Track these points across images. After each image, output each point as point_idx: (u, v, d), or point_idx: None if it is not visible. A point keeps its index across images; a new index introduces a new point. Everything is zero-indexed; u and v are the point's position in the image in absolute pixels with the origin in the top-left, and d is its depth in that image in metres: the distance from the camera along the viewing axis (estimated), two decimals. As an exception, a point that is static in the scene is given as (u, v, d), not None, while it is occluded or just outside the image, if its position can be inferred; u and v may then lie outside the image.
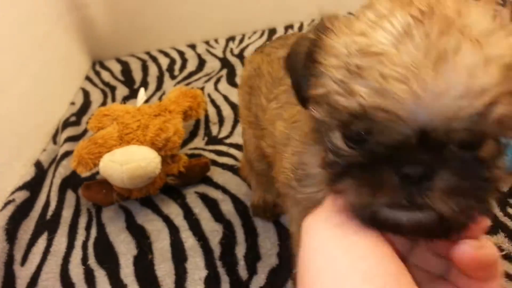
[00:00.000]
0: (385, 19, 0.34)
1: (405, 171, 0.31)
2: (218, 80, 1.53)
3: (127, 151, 0.96)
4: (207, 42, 1.82)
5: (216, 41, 1.83)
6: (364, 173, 0.33)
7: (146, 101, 1.38)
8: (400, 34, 0.33)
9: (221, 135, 1.25)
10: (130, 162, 0.93)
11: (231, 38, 1.84)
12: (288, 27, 1.88)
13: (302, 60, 0.41)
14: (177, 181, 1.02)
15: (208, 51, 1.75)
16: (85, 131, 1.29)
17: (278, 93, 0.68)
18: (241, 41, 1.81)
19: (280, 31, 1.85)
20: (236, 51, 1.73)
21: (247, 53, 1.70)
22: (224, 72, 1.58)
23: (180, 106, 1.17)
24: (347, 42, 0.36)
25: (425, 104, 0.31)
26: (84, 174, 1.03)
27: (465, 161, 0.32)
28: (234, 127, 1.27)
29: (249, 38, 1.83)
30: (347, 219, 0.34)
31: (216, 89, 1.48)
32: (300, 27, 1.86)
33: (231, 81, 1.51)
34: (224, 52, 1.74)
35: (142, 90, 1.28)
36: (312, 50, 0.40)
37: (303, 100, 0.42)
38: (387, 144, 0.33)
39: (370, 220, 0.33)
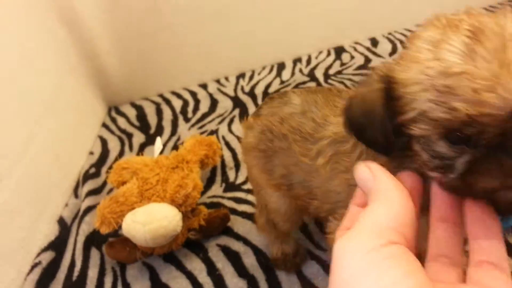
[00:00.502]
0: (445, 43, 0.41)
1: None
2: (231, 121, 1.55)
3: (148, 210, 0.97)
4: (218, 81, 1.85)
5: (226, 79, 1.86)
6: (487, 165, 0.40)
7: (163, 149, 1.40)
8: (467, 53, 0.39)
9: (238, 181, 1.26)
10: (152, 222, 0.94)
11: (241, 75, 1.87)
12: (296, 60, 1.90)
13: (380, 106, 0.45)
14: (198, 235, 1.03)
15: (219, 90, 1.78)
16: (105, 183, 1.31)
17: (320, 148, 0.67)
18: (251, 77, 1.84)
19: (289, 65, 1.87)
20: (246, 89, 1.75)
21: (257, 90, 1.72)
22: (236, 112, 1.60)
23: (196, 155, 1.19)
24: (422, 69, 0.41)
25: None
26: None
27: None
28: (250, 171, 1.28)
29: (259, 74, 1.85)
30: (379, 242, 0.34)
31: (230, 130, 1.49)
32: (308, 60, 1.88)
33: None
34: (235, 90, 1.76)
35: (158, 139, 1.30)
36: (388, 93, 0.45)
37: (385, 147, 0.47)
38: (495, 138, 0.39)
39: (495, 203, 0.40)
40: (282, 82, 1.76)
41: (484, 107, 0.38)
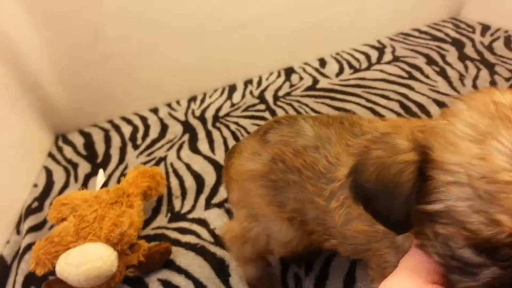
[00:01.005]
0: (494, 140, 0.35)
1: None
2: (180, 147, 1.55)
3: (82, 251, 0.96)
4: (169, 105, 1.85)
5: (178, 103, 1.86)
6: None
7: (108, 180, 1.38)
8: None
9: (184, 210, 1.25)
10: (85, 263, 0.92)
11: (193, 98, 1.87)
12: (248, 82, 1.92)
13: (411, 182, 0.39)
14: (136, 272, 1.02)
15: (170, 114, 1.78)
16: (46, 220, 1.28)
17: (333, 190, 0.64)
18: (202, 101, 1.84)
19: (240, 87, 1.89)
20: (197, 113, 1.76)
21: (208, 114, 1.73)
22: (186, 137, 1.60)
23: (138, 187, 1.18)
24: (462, 163, 0.36)
25: None
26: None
27: None
28: (196, 200, 1.28)
29: (210, 97, 1.86)
30: (424, 283, 0.36)
31: (178, 157, 1.49)
32: (259, 81, 1.91)
33: (193, 147, 1.53)
34: (186, 114, 1.76)
35: (101, 172, 1.29)
36: (420, 168, 0.39)
37: (399, 225, 0.41)
38: None
39: None
40: (232, 105, 1.77)
41: None
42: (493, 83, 1.58)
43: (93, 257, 0.94)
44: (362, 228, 0.59)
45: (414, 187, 0.39)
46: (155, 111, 1.81)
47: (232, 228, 0.89)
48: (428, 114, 1.48)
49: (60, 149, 1.63)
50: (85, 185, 1.40)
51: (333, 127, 0.70)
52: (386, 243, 0.56)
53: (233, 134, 1.57)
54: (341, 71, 1.89)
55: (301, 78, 1.88)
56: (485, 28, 2.01)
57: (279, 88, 1.83)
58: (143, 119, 1.76)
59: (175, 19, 1.72)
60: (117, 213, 1.04)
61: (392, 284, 0.37)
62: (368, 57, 1.95)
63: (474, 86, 1.58)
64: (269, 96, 1.79)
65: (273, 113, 1.66)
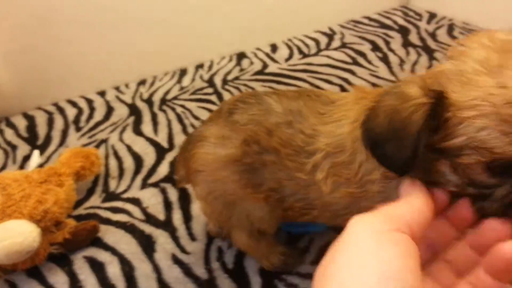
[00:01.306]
0: (507, 70, 0.39)
1: None
2: (123, 129, 1.55)
3: (3, 227, 0.96)
4: (117, 88, 1.84)
5: (127, 86, 1.85)
6: None
7: (45, 161, 1.38)
8: None
9: (119, 190, 1.26)
10: (6, 239, 0.93)
11: (142, 82, 1.86)
12: (199, 66, 1.93)
13: (421, 122, 0.42)
14: (61, 249, 1.03)
15: (117, 97, 1.77)
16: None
17: (315, 162, 0.64)
18: (152, 84, 1.84)
19: (191, 71, 1.90)
20: (145, 96, 1.75)
21: (155, 97, 1.73)
22: (131, 120, 1.60)
23: (71, 167, 1.18)
24: (483, 96, 0.39)
25: None
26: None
27: None
28: (133, 180, 1.29)
29: (160, 80, 1.86)
30: (389, 227, 0.39)
31: (120, 139, 1.49)
32: (210, 66, 1.92)
33: (137, 130, 1.53)
34: (133, 97, 1.76)
35: (35, 152, 1.28)
36: (433, 110, 0.42)
37: (403, 166, 0.43)
38: None
39: None
40: (181, 88, 1.78)
41: None
42: (430, 68, 1.63)
43: (14, 233, 0.94)
44: (351, 191, 0.60)
45: (425, 127, 0.42)
46: (102, 94, 1.80)
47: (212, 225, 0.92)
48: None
49: (1, 132, 1.61)
50: (22, 167, 1.39)
51: (301, 100, 0.69)
52: (378, 199, 0.57)
53: (178, 117, 1.58)
54: (290, 56, 1.91)
55: (251, 63, 1.90)
56: (432, 16, 2.07)
57: (229, 72, 1.85)
58: (89, 102, 1.75)
59: (124, 3, 1.72)
60: (42, 191, 1.04)
61: (363, 219, 0.40)
62: (317, 43, 1.98)
63: (412, 71, 1.63)
64: (218, 80, 1.80)
65: (220, 96, 1.68)
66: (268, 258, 0.91)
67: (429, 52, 1.75)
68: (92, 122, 1.61)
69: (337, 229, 0.42)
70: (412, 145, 0.42)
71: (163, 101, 1.70)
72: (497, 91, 0.38)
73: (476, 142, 0.40)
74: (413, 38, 1.89)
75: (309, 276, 0.90)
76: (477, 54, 0.41)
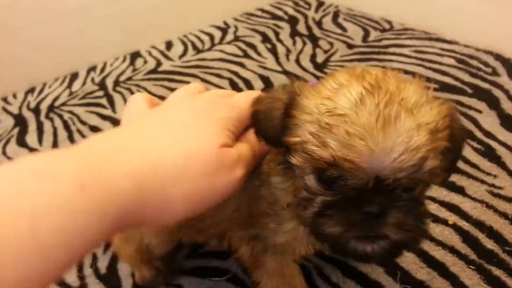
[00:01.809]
0: (345, 88, 0.44)
1: (365, 209, 0.43)
2: (7, 142, 1.49)
3: None
4: (5, 99, 1.76)
5: (14, 96, 1.78)
6: (336, 211, 0.44)
7: None
8: (357, 101, 0.42)
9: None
10: None
11: (31, 90, 1.80)
12: (91, 69, 1.89)
13: (279, 115, 0.49)
14: None
15: (4, 109, 1.70)
16: None
17: None
18: (40, 92, 1.78)
19: (82, 75, 1.86)
20: (32, 104, 1.70)
21: (43, 105, 1.68)
22: (15, 131, 1.54)
23: None
24: (317, 103, 0.45)
25: (377, 157, 0.41)
26: None
27: (407, 200, 0.44)
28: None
29: (50, 87, 1.80)
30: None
31: (3, 152, 1.44)
32: (103, 68, 1.88)
33: (21, 141, 1.49)
34: (20, 107, 1.69)
35: None
36: (288, 108, 0.49)
37: (272, 141, 0.52)
38: (352, 187, 0.43)
39: (342, 249, 0.46)
40: (71, 93, 1.73)
41: (350, 151, 0.41)
42: (313, 56, 1.72)
43: None
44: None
45: (281, 118, 0.49)
46: (-12, 107, 1.71)
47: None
48: (252, 89, 1.57)
49: None
50: None
51: None
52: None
53: (65, 123, 1.54)
54: (185, 52, 1.93)
55: (145, 62, 1.89)
56: (320, 4, 2.17)
57: (122, 73, 1.83)
58: (-27, 116, 1.66)
59: (5, 11, 1.64)
60: None
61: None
62: (212, 38, 2.01)
63: (297, 60, 1.71)
64: (109, 82, 1.77)
65: (110, 99, 1.66)
66: (141, 269, 0.91)
67: (314, 40, 1.84)
68: (-27, 138, 1.54)
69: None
70: (275, 126, 0.49)
71: (51, 108, 1.65)
72: (325, 101, 0.45)
73: (304, 144, 0.45)
74: (301, 27, 1.97)
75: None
76: (340, 76, 0.48)
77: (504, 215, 0.90)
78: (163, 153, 0.42)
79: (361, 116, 0.41)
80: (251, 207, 0.63)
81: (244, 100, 0.54)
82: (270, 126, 0.50)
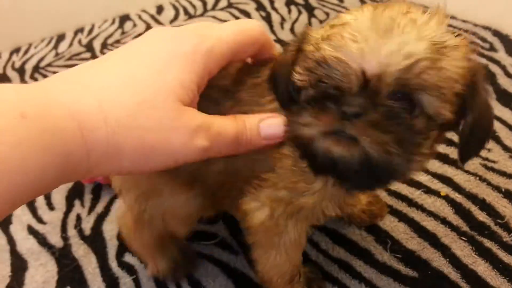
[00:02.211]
0: (359, 11, 0.44)
1: (343, 109, 0.40)
2: (-11, 101, 1.43)
3: None
4: (-12, 59, 1.69)
5: (-2, 55, 1.71)
6: (313, 105, 0.43)
7: None
8: (364, 16, 0.42)
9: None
10: None
11: (16, 50, 1.73)
12: (79, 31, 1.82)
13: (288, 66, 0.48)
14: None
15: (-14, 68, 1.63)
16: None
17: None
18: (26, 52, 1.72)
19: (69, 36, 1.79)
20: (17, 64, 1.64)
21: (28, 65, 1.62)
22: (-3, 90, 1.48)
23: None
24: (320, 34, 0.45)
25: (367, 58, 0.40)
26: None
27: (393, 109, 0.41)
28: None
29: (35, 47, 1.74)
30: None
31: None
32: (91, 30, 1.82)
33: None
34: (5, 67, 1.63)
35: None
36: (298, 51, 0.48)
37: (285, 102, 0.50)
38: (335, 86, 0.42)
39: (311, 151, 0.42)
40: (57, 54, 1.67)
41: (341, 52, 0.41)
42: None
43: None
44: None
45: (291, 69, 0.48)
46: (-30, 65, 1.64)
47: (127, 219, 0.75)
48: (245, 57, 1.53)
49: None
50: None
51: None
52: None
53: (50, 85, 1.49)
54: (176, 17, 1.86)
55: (134, 25, 1.83)
56: (317, -25, 2.10)
57: (110, 35, 1.77)
58: (-48, 74, 1.59)
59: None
60: None
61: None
62: (204, 3, 1.94)
63: (292, 29, 1.66)
64: (97, 44, 1.71)
65: (98, 62, 1.60)
66: (156, 261, 0.80)
67: (310, 10, 1.79)
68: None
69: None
70: (284, 80, 0.49)
71: (36, 68, 1.59)
72: (336, 20, 0.45)
73: (305, 62, 0.46)
74: (297, -4, 1.92)
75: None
76: (360, 14, 0.44)
77: (497, 188, 0.90)
78: (114, 97, 0.39)
79: (360, 22, 0.42)
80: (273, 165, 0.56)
81: (229, 29, 0.50)
82: (281, 79, 0.50)
